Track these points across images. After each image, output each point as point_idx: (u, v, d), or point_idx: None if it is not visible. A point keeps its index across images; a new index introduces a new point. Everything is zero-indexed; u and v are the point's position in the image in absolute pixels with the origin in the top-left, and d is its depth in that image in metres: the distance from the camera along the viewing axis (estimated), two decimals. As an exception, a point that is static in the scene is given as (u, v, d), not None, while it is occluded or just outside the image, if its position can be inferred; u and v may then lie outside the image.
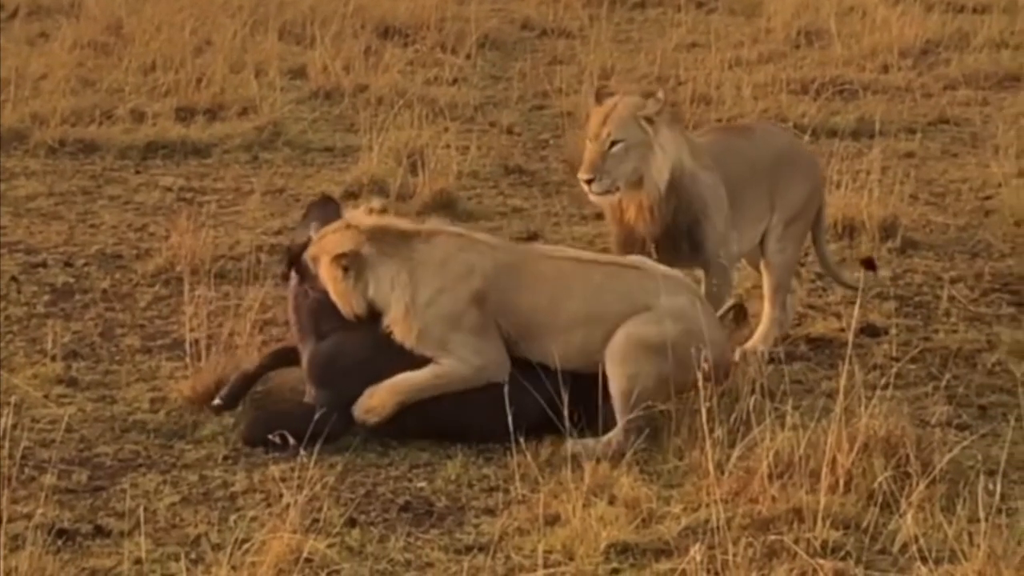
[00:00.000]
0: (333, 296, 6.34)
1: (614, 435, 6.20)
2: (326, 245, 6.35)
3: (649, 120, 6.77)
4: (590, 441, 6.19)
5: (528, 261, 6.51)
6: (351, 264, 6.28)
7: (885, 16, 12.28)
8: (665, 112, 6.82)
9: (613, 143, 6.75)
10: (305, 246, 6.47)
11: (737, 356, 6.82)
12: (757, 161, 7.18)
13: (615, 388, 6.22)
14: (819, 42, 12.13)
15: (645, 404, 6.14)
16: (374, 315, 6.36)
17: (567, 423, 6.15)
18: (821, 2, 12.79)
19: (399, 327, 6.31)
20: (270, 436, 6.29)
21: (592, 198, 6.85)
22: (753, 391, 6.14)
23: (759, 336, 7.23)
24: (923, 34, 12.09)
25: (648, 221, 6.83)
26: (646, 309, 6.25)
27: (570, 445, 6.09)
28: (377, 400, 6.29)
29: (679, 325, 6.20)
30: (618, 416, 6.21)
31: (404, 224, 6.43)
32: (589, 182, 6.75)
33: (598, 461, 6.00)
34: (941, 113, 10.74)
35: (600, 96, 6.93)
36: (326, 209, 6.73)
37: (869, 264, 7.50)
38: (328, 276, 6.32)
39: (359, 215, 6.44)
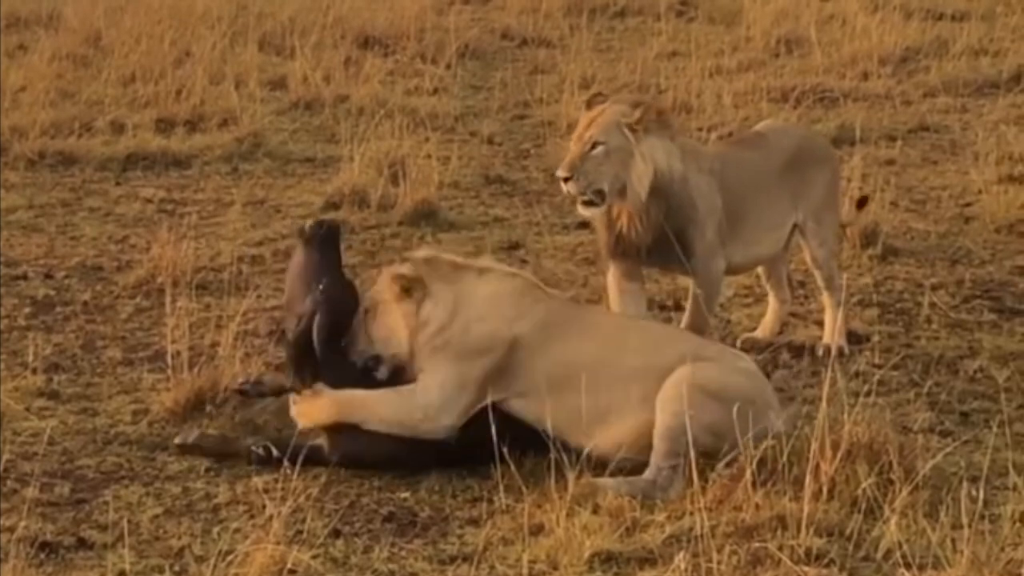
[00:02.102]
0: (391, 317, 6.26)
1: (648, 476, 5.96)
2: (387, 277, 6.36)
3: (632, 128, 6.77)
4: (622, 480, 5.97)
5: (583, 311, 6.53)
6: (411, 285, 6.24)
7: (865, 24, 12.29)
8: (650, 120, 6.80)
9: (594, 145, 6.75)
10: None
11: (820, 352, 7.16)
12: (769, 166, 7.20)
13: (660, 423, 5.97)
14: (799, 50, 12.14)
15: (684, 450, 5.86)
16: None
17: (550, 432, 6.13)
18: (801, 10, 12.81)
19: (425, 342, 6.22)
20: (253, 447, 6.28)
21: (580, 210, 6.83)
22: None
23: (829, 332, 7.32)
24: (903, 42, 12.11)
25: (640, 228, 6.82)
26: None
27: (602, 482, 5.92)
28: (316, 408, 6.21)
29: (742, 379, 6.08)
30: (654, 454, 5.98)
31: (458, 258, 6.44)
32: (566, 180, 6.75)
33: (634, 498, 5.85)
34: (921, 120, 10.76)
35: (592, 103, 6.93)
36: (330, 238, 6.50)
37: (862, 203, 7.55)
38: (390, 294, 6.27)
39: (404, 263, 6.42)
